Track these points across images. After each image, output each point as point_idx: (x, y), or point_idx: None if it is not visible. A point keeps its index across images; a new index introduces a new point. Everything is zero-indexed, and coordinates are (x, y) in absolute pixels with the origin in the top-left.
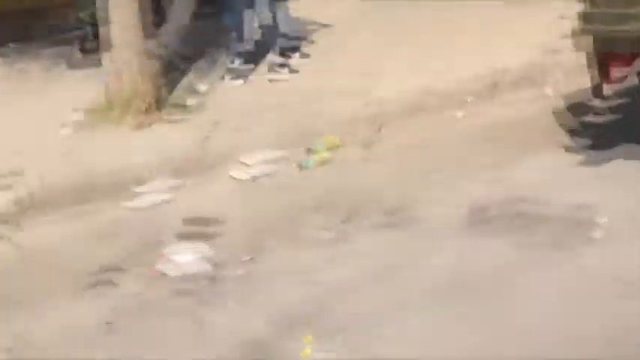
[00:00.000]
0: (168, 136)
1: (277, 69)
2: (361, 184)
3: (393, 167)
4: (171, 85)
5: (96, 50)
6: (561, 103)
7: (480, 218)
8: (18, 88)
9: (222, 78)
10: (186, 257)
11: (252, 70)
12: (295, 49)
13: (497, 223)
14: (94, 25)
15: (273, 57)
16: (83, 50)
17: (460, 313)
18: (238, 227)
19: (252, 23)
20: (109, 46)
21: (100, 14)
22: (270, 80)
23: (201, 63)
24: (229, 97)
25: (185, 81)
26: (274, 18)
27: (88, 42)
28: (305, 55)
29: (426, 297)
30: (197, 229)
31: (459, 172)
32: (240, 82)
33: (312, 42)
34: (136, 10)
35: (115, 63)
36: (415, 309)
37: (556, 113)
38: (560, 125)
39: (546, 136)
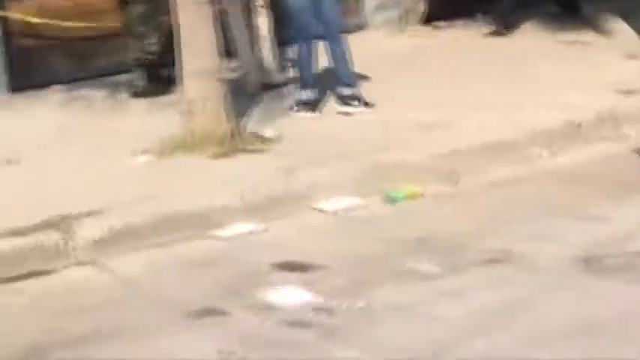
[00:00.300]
0: (250, 167)
1: (349, 100)
2: (455, 220)
3: (485, 204)
4: (245, 115)
5: (149, 94)
6: None
7: (595, 257)
8: (84, 118)
9: (292, 109)
10: (291, 289)
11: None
12: (356, 97)
13: (616, 262)
14: (146, 66)
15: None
16: (135, 94)
17: (590, 355)
18: (338, 260)
19: (316, 62)
20: (181, 74)
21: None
22: (343, 113)
23: (275, 91)
24: (304, 129)
25: (258, 110)
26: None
27: (141, 85)
28: (370, 105)
29: (554, 338)
30: (295, 260)
31: (558, 211)
32: (312, 114)
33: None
34: (212, 36)
35: (190, 92)
36: (545, 351)
37: None
38: None
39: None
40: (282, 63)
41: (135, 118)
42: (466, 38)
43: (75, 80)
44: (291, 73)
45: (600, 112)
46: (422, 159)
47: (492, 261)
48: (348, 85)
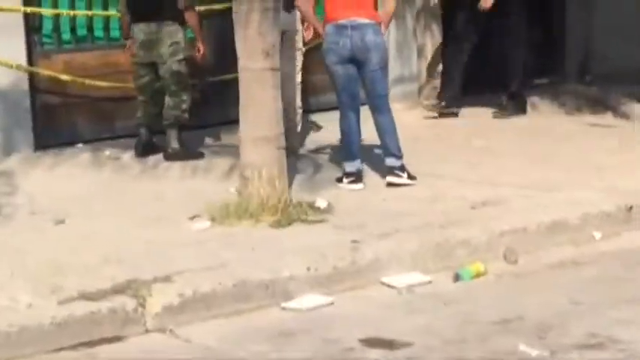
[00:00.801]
0: (312, 238)
1: (397, 171)
2: (534, 301)
3: (555, 285)
4: (305, 182)
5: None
6: None
7: None
8: (119, 178)
9: (340, 180)
10: None
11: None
12: (404, 169)
13: None
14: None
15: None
16: (140, 154)
17: None
18: (424, 338)
19: (358, 135)
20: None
21: None
22: (392, 184)
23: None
24: (355, 200)
25: (300, 178)
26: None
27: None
28: (414, 178)
29: None
30: (379, 337)
31: (626, 300)
32: (360, 185)
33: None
34: (273, 101)
35: (248, 157)
36: None
37: None
38: None
39: None
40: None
41: (172, 182)
42: (484, 115)
43: (97, 140)
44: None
45: None
46: (482, 236)
47: (592, 346)
48: (397, 157)
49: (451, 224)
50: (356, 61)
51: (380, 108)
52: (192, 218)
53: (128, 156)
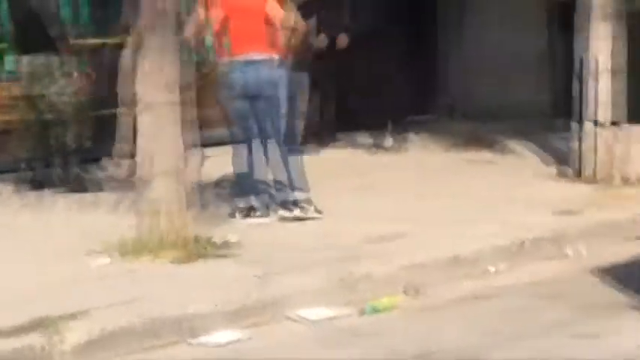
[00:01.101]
0: (219, 273)
1: (304, 205)
2: (448, 334)
3: (466, 317)
4: (202, 217)
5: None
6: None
7: None
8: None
9: (235, 216)
10: None
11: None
12: (310, 202)
13: None
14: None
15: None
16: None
17: None
18: None
19: (261, 170)
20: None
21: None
22: (295, 218)
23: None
24: (259, 235)
25: (206, 213)
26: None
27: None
28: (320, 212)
29: None
30: None
31: (548, 327)
32: (256, 220)
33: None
34: (177, 136)
35: (152, 192)
36: None
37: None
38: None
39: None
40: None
41: (63, 216)
42: (362, 151)
43: None
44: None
45: (541, 232)
46: (383, 271)
47: None
48: (301, 190)
49: (352, 259)
50: (250, 96)
51: (275, 143)
52: (90, 254)
53: (10, 190)
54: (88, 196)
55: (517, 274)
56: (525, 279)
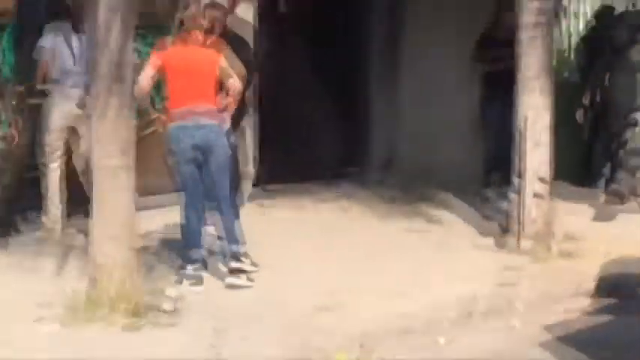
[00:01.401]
0: (167, 344)
1: (236, 273)
2: None
3: None
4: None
5: None
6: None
7: None
8: None
9: (180, 282)
10: None
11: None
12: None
13: None
14: None
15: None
16: None
17: None
18: None
19: (201, 227)
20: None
21: None
22: (230, 286)
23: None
24: (203, 300)
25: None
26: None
27: None
28: (255, 265)
29: None
30: None
31: None
32: (201, 288)
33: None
34: (128, 200)
35: (99, 257)
36: None
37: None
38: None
39: None
40: None
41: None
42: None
43: None
44: None
45: (486, 302)
46: (334, 341)
47: None
48: (240, 243)
49: (302, 328)
50: (198, 160)
51: (222, 208)
52: (40, 320)
53: None
54: (28, 261)
55: (465, 345)
56: (475, 349)
